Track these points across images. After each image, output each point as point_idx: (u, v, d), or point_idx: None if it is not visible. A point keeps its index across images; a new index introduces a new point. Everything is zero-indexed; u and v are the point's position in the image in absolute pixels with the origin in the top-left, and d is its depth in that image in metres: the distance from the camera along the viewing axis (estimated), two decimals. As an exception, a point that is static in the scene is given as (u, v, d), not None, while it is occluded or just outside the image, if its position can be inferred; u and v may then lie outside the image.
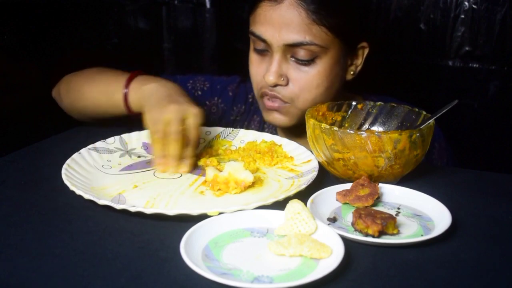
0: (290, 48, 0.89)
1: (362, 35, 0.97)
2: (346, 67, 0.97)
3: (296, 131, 0.99)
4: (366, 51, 0.98)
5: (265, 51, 0.92)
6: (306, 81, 0.91)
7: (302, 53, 0.89)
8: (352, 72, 0.99)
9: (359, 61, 0.99)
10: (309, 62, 0.90)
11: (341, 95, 0.99)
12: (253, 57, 0.96)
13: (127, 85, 0.91)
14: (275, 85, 0.92)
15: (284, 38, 0.88)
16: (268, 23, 0.89)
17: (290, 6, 0.87)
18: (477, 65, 1.31)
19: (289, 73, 0.91)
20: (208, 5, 1.52)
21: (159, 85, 0.86)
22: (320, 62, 0.90)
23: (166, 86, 0.86)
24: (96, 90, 0.97)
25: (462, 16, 1.29)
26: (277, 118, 0.96)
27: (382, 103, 0.88)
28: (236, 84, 1.14)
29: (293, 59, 0.90)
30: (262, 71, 0.93)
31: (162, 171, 0.80)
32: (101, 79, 0.98)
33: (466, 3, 1.28)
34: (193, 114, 0.80)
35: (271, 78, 0.90)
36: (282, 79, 0.91)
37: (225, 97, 1.13)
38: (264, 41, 0.90)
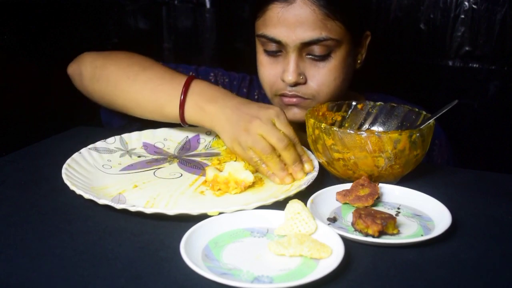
0: (306, 46, 0.88)
1: (366, 25, 0.98)
2: (355, 57, 0.98)
3: (303, 125, 1.00)
4: (369, 39, 0.99)
5: (278, 52, 0.91)
6: (324, 76, 0.90)
7: (318, 50, 0.88)
8: (359, 61, 0.99)
9: (363, 50, 0.99)
10: (325, 57, 0.89)
11: (345, 93, 0.99)
12: (264, 59, 0.94)
13: (182, 103, 0.83)
14: (295, 85, 0.91)
15: (300, 37, 0.87)
16: (282, 24, 0.87)
17: (303, 5, 0.86)
18: (477, 65, 1.31)
19: (307, 71, 0.90)
20: (208, 5, 1.51)
21: (222, 105, 0.81)
22: (335, 55, 0.90)
23: (227, 104, 0.81)
24: (141, 95, 0.88)
25: (462, 16, 1.29)
26: (297, 114, 0.94)
27: (382, 103, 0.88)
28: (248, 82, 1.14)
29: (309, 56, 0.90)
30: (276, 72, 0.92)
31: (290, 182, 0.76)
32: (146, 81, 0.88)
33: (466, 3, 1.28)
34: (275, 115, 0.78)
35: (290, 78, 0.89)
36: (301, 77, 0.90)
37: (241, 94, 1.13)
38: (278, 42, 0.89)
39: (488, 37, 1.28)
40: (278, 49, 0.91)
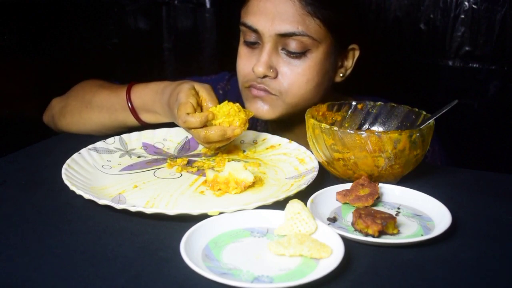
0: (282, 39, 0.88)
1: (355, 36, 0.97)
2: (336, 67, 0.96)
3: (287, 125, 0.99)
4: (357, 54, 0.97)
5: (256, 43, 0.91)
6: (296, 75, 0.90)
7: (293, 45, 0.88)
8: (341, 74, 0.98)
9: (350, 64, 0.98)
10: (300, 55, 0.89)
11: (331, 96, 0.98)
12: (242, 50, 0.94)
13: (128, 98, 0.92)
14: (264, 77, 0.90)
15: (276, 28, 0.87)
16: (261, 13, 0.88)
17: None
18: (477, 65, 1.31)
19: (279, 66, 0.90)
20: (208, 5, 1.52)
21: (153, 88, 0.91)
22: (311, 56, 0.89)
23: (154, 87, 0.91)
24: (103, 117, 0.96)
25: (462, 16, 1.29)
26: (260, 109, 0.93)
27: (382, 103, 0.88)
28: (225, 82, 1.13)
29: (284, 51, 0.89)
30: (251, 64, 0.91)
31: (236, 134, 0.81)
32: (100, 105, 0.96)
33: (466, 3, 1.28)
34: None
35: (260, 69, 0.88)
36: (271, 70, 0.89)
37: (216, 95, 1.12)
38: (255, 31, 0.89)
39: (488, 37, 1.28)
40: (256, 40, 0.91)
